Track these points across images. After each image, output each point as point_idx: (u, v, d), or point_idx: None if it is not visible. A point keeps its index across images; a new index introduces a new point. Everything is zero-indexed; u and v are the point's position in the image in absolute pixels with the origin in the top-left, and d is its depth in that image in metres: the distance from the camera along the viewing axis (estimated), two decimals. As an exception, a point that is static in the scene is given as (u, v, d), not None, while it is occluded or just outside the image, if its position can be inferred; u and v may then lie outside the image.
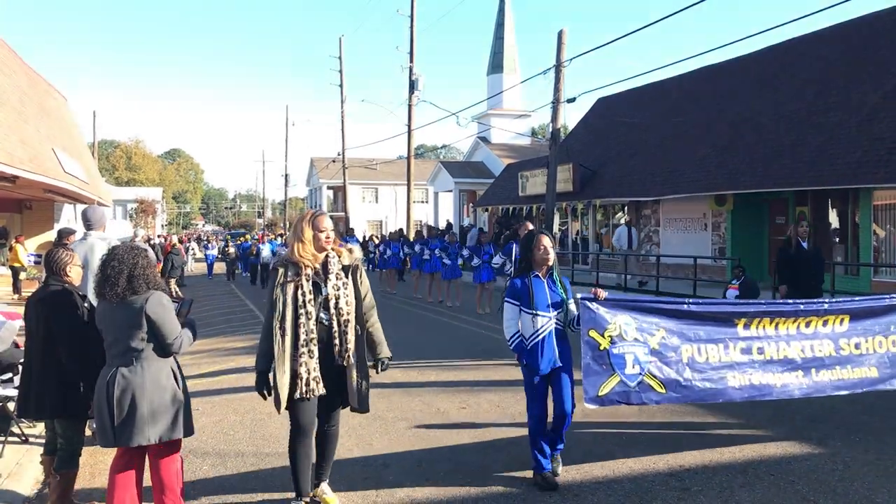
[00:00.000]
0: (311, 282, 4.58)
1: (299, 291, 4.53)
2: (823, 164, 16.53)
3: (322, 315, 4.60)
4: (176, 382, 4.41)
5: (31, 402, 4.78)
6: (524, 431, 6.78)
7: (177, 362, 4.53)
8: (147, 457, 4.47)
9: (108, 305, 4.31)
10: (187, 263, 32.20)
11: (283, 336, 4.49)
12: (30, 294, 5.20)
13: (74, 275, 4.90)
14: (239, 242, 35.93)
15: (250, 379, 9.35)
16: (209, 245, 37.58)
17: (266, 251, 25.29)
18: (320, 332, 4.58)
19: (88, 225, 6.71)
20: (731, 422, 7.10)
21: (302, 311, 4.52)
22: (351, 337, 4.65)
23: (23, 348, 6.90)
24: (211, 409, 7.79)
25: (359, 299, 4.76)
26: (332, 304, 4.60)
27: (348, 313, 4.64)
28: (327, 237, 4.63)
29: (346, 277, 4.70)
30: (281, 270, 4.60)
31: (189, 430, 4.48)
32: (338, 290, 4.62)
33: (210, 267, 34.58)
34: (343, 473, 5.67)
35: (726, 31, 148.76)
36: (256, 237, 36.48)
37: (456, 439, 6.59)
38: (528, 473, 5.57)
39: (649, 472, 5.70)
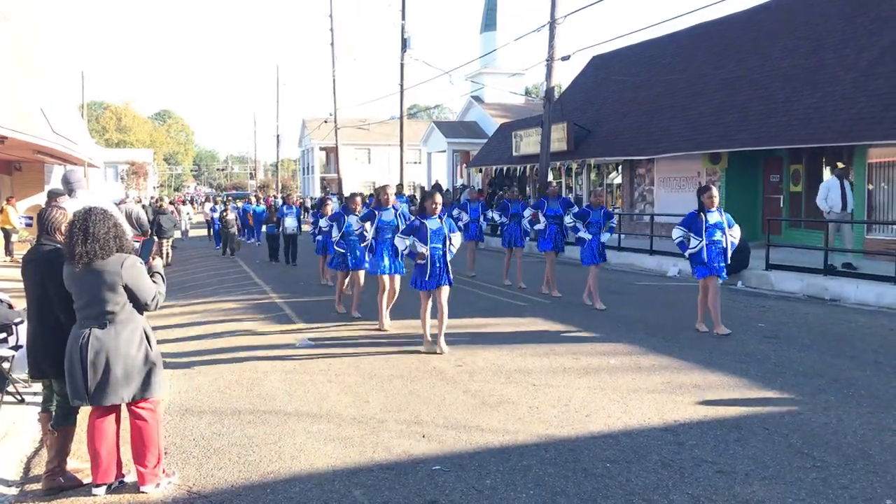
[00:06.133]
0: None
1: None
2: (818, 122, 16.43)
3: None
4: (148, 343, 4.57)
5: (30, 363, 4.78)
6: (518, 389, 6.84)
7: (147, 324, 4.66)
8: (127, 410, 4.62)
9: (75, 269, 4.39)
10: (180, 226, 28.20)
11: None
12: (22, 255, 5.17)
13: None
14: (241, 205, 30.33)
15: (247, 339, 9.44)
16: (214, 207, 31.02)
17: (291, 219, 19.34)
18: None
19: (70, 188, 6.81)
20: (725, 378, 7.15)
21: None
22: None
23: (15, 309, 6.91)
24: (207, 369, 7.80)
25: None
26: None
27: None
28: None
29: None
30: None
31: (160, 390, 4.66)
32: None
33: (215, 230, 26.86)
34: (340, 429, 5.70)
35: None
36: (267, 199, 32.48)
37: (451, 396, 6.62)
38: (521, 427, 5.60)
39: (644, 426, 5.74)
